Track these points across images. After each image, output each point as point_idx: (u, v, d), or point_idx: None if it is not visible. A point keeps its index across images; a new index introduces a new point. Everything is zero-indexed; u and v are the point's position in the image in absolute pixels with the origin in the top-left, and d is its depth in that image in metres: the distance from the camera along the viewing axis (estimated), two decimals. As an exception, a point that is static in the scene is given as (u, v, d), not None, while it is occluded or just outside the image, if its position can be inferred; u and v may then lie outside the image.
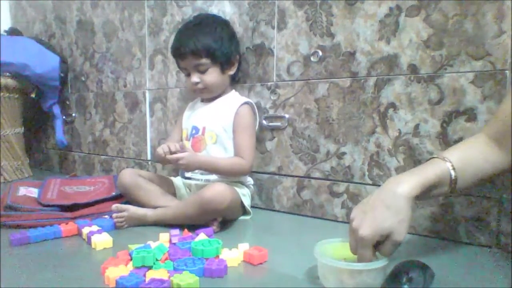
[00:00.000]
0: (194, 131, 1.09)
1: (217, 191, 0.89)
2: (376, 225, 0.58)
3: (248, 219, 1.04)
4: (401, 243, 0.59)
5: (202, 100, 1.14)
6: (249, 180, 1.12)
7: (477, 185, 0.70)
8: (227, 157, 1.05)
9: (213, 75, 1.04)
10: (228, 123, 1.06)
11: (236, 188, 0.99)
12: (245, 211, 1.05)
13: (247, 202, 1.04)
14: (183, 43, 1.03)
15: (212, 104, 1.11)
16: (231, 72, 1.09)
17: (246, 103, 1.07)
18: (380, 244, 0.60)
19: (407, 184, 0.61)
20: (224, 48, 1.04)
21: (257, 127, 1.11)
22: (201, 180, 1.07)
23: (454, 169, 0.64)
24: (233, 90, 1.13)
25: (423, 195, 0.63)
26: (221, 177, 1.05)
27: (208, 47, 1.01)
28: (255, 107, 1.10)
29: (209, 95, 1.09)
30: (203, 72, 1.04)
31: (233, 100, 1.09)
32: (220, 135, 1.06)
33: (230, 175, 1.05)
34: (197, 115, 1.11)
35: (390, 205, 0.59)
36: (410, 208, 0.60)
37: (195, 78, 1.04)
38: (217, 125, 1.06)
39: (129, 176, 1.03)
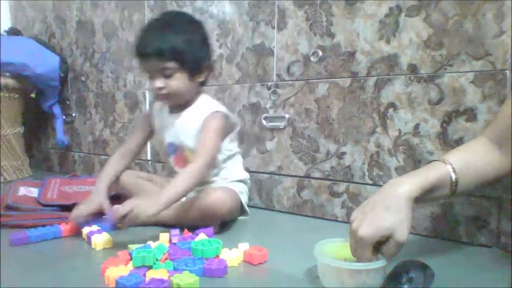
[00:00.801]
0: (173, 148, 1.01)
1: (217, 197, 0.88)
2: (376, 225, 0.58)
3: (248, 219, 1.04)
4: (403, 243, 0.59)
5: (171, 111, 1.01)
6: (245, 175, 1.08)
7: (478, 187, 0.70)
8: (180, 175, 0.88)
9: (179, 81, 0.91)
10: None
11: (234, 187, 0.98)
12: (243, 211, 1.04)
13: (244, 199, 1.03)
14: (148, 42, 0.89)
15: (183, 117, 0.99)
16: (201, 79, 0.96)
17: (215, 112, 0.96)
18: (382, 245, 0.60)
19: (407, 185, 0.61)
20: (195, 52, 0.92)
21: (232, 135, 1.03)
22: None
23: (454, 171, 0.63)
24: (202, 94, 1.01)
25: (423, 197, 0.63)
26: (218, 178, 1.03)
27: (177, 49, 0.89)
28: (229, 115, 0.99)
29: (173, 102, 0.98)
30: (168, 76, 0.91)
31: (203, 108, 0.98)
32: None
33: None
34: (170, 131, 1.01)
35: (390, 205, 0.59)
36: (410, 208, 0.60)
37: (158, 82, 0.90)
38: (193, 141, 0.96)
39: (129, 176, 1.02)
